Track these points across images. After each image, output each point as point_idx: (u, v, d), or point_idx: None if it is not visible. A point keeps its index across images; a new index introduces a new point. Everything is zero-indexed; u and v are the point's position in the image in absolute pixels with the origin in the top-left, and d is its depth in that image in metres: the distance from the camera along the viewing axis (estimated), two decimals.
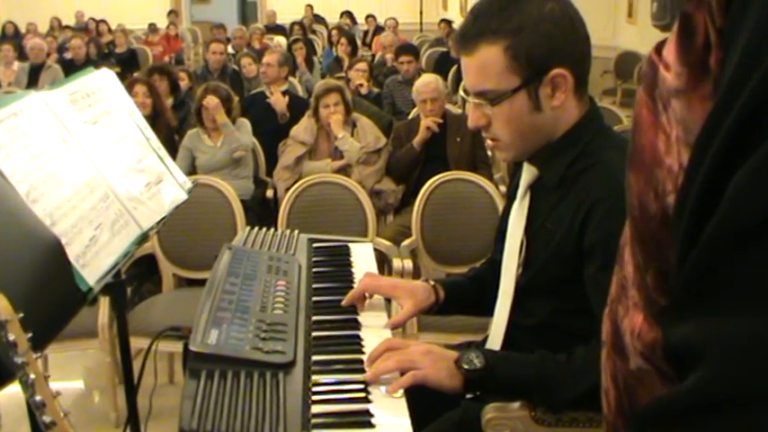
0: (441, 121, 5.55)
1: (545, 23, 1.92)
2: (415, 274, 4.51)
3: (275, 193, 5.76)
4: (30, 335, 1.49)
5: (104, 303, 3.83)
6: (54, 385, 1.53)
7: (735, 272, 0.63)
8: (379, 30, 15.58)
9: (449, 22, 15.37)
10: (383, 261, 4.91)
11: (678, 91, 0.74)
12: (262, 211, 5.75)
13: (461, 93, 2.19)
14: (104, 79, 2.46)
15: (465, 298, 2.40)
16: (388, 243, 4.63)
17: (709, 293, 0.65)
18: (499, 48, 1.93)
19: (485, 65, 1.96)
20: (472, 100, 2.03)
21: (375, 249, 4.48)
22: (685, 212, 0.69)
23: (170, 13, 18.96)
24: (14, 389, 1.59)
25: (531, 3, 1.94)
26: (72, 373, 4.82)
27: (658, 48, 0.78)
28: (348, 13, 18.15)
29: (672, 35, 0.76)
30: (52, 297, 1.79)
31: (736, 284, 0.63)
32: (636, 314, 0.79)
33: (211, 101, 5.64)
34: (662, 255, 0.75)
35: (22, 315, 1.48)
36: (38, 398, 1.49)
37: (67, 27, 18.08)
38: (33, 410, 1.50)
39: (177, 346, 3.43)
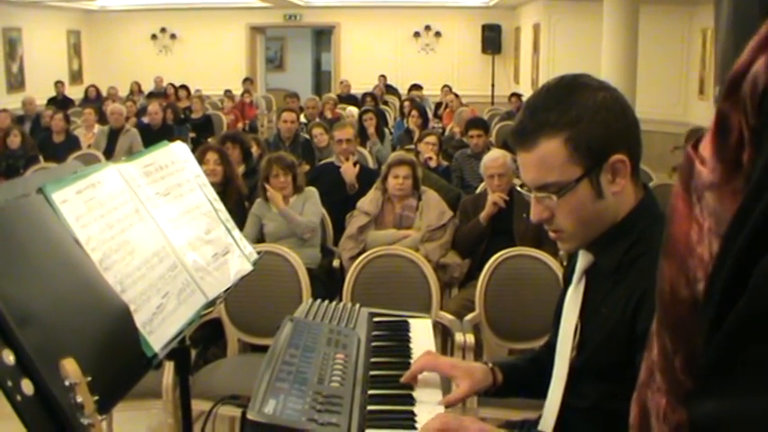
0: (507, 197, 5.58)
1: (601, 112, 1.94)
2: (478, 348, 4.50)
3: (341, 262, 5.80)
4: (96, 398, 1.56)
5: (169, 366, 3.89)
6: None
7: (755, 355, 0.67)
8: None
9: (519, 96, 15.43)
10: (446, 335, 4.91)
11: (712, 185, 0.78)
12: (328, 280, 5.76)
13: (518, 188, 2.21)
14: (178, 152, 2.54)
15: (523, 381, 2.42)
16: (451, 317, 4.62)
17: (730, 374, 0.70)
18: (559, 140, 1.95)
19: (546, 158, 1.97)
20: (534, 195, 2.04)
21: (438, 323, 4.53)
22: (713, 299, 0.73)
23: (245, 80, 19.08)
24: None
25: (584, 94, 1.97)
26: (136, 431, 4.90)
27: (695, 144, 0.83)
28: (417, 86, 17.94)
29: (708, 132, 0.81)
30: (119, 362, 1.85)
31: (755, 366, 0.67)
32: (659, 398, 0.82)
33: (275, 196, 5.71)
34: (691, 339, 0.79)
35: (89, 378, 1.55)
36: None
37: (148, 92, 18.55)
38: None
39: (237, 412, 3.48)
